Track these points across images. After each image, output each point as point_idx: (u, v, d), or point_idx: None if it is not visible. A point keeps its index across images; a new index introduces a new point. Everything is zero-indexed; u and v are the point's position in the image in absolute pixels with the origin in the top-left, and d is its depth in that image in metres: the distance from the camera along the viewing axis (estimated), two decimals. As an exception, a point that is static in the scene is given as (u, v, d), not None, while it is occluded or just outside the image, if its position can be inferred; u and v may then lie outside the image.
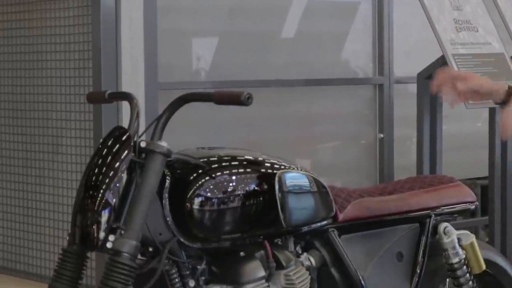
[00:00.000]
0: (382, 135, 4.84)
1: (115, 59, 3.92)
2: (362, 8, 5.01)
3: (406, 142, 4.76)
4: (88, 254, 3.26)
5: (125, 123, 3.30)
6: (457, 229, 3.99)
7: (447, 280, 4.01)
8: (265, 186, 3.39)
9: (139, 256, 3.20)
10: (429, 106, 4.57)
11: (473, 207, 4.06)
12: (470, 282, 3.95)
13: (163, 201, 3.26)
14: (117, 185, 3.15)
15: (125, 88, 3.88)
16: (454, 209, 3.99)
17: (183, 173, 3.31)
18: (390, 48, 4.95)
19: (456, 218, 4.05)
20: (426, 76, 4.54)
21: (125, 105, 3.52)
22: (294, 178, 3.47)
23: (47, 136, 4.22)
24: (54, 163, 4.16)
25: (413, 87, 4.69)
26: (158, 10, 4.10)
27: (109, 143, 3.24)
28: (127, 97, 3.39)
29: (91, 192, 3.17)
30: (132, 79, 3.96)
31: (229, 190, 3.32)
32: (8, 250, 4.47)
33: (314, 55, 4.83)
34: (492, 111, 4.74)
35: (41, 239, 4.28)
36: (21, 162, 4.37)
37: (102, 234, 3.11)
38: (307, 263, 3.56)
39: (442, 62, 4.42)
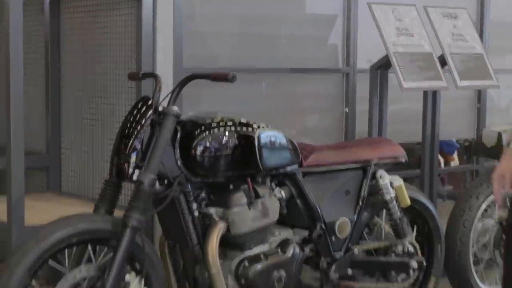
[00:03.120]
0: (347, 109, 4.86)
1: (152, 50, 3.96)
2: (337, 19, 5.01)
3: (364, 115, 4.77)
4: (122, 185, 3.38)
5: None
6: (402, 177, 4.04)
7: (383, 211, 4.06)
8: (249, 140, 3.45)
9: (157, 186, 3.29)
10: (378, 89, 4.62)
11: (403, 160, 4.09)
12: (399, 213, 3.99)
13: (175, 148, 3.34)
14: (142, 136, 3.23)
15: (159, 70, 3.91)
16: (387, 161, 4.03)
17: (190, 129, 3.37)
18: (354, 47, 4.97)
19: (389, 167, 4.04)
20: (376, 68, 4.60)
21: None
22: (269, 135, 3.52)
23: (106, 105, 4.27)
24: (112, 117, 4.20)
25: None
26: (184, 16, 4.13)
27: (139, 106, 3.33)
28: (154, 75, 3.47)
29: (124, 140, 3.25)
30: (164, 64, 4.00)
31: (222, 142, 3.38)
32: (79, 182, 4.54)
33: (299, 51, 4.84)
34: (425, 94, 4.76)
35: (101, 175, 4.34)
36: (89, 116, 4.41)
37: (131, 170, 3.20)
38: (278, 195, 3.61)
39: (386, 58, 4.45)
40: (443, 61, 4.63)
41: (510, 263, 3.11)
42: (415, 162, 5.69)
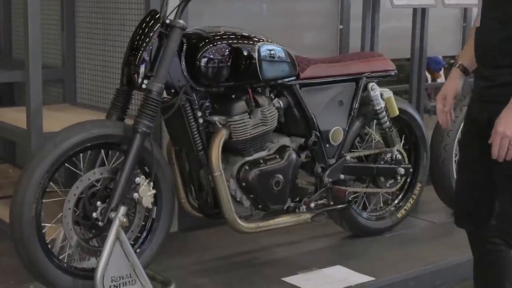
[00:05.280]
0: (341, 26, 4.77)
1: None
2: None
3: (358, 32, 4.70)
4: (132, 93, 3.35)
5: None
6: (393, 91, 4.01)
7: (374, 122, 4.05)
8: (250, 52, 3.41)
9: (165, 95, 3.28)
10: (371, 7, 4.54)
11: (393, 73, 4.05)
12: (388, 123, 3.98)
13: (181, 59, 3.30)
14: (151, 47, 3.20)
15: None
16: (378, 74, 3.98)
17: (196, 42, 3.34)
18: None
19: (381, 80, 4.01)
20: (371, -14, 4.52)
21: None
22: (269, 48, 3.49)
23: (117, 20, 4.20)
24: (123, 32, 4.13)
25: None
26: None
27: (147, 20, 3.28)
28: (162, -9, 3.41)
29: (134, 52, 3.22)
30: None
31: (225, 54, 3.35)
32: (93, 94, 4.51)
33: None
34: (414, 11, 4.69)
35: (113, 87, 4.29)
36: (101, 31, 4.34)
37: (140, 80, 3.18)
38: (277, 105, 3.59)
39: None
40: (432, -19, 4.55)
41: (459, 178, 3.07)
42: (404, 78, 5.65)
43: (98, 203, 3.13)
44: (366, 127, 4.04)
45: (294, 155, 3.61)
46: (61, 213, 3.10)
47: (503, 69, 2.65)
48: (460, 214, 3.02)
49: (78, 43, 4.56)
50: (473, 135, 2.85)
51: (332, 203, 3.82)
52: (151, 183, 3.21)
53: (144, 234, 3.37)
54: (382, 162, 4.03)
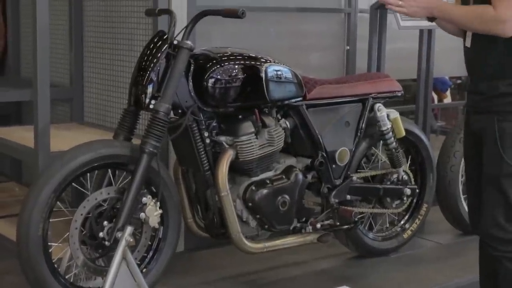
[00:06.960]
0: (348, 47, 4.79)
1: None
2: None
3: (364, 52, 4.71)
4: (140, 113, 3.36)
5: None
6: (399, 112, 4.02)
7: (380, 142, 4.05)
8: (257, 73, 3.43)
9: (172, 115, 3.29)
10: (377, 28, 4.55)
11: (399, 94, 4.06)
12: (394, 144, 3.98)
13: (188, 80, 3.32)
14: (158, 68, 3.21)
15: (174, 7, 3.85)
16: (385, 95, 3.99)
17: (203, 62, 3.35)
18: (356, -11, 4.85)
19: (387, 101, 4.01)
20: (375, 8, 4.51)
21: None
22: (276, 69, 3.50)
23: (125, 40, 4.23)
24: (131, 52, 4.15)
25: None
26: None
27: (155, 40, 3.30)
28: (169, 12, 3.43)
29: (141, 72, 3.24)
30: (179, 1, 3.93)
31: (232, 74, 3.36)
32: (101, 113, 4.52)
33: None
34: (421, 32, 4.70)
35: (120, 107, 4.31)
36: (109, 51, 4.37)
37: (147, 100, 3.20)
38: (283, 125, 3.59)
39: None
40: (439, 3, 4.54)
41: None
42: (410, 99, 5.65)
43: (105, 222, 3.13)
44: (373, 147, 4.04)
45: (300, 176, 3.61)
46: (68, 233, 3.10)
47: (496, 81, 2.81)
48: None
49: (86, 62, 4.59)
50: (471, 145, 3.04)
51: (338, 223, 3.81)
52: (158, 203, 3.22)
53: (151, 254, 3.37)
54: (388, 183, 4.03)
